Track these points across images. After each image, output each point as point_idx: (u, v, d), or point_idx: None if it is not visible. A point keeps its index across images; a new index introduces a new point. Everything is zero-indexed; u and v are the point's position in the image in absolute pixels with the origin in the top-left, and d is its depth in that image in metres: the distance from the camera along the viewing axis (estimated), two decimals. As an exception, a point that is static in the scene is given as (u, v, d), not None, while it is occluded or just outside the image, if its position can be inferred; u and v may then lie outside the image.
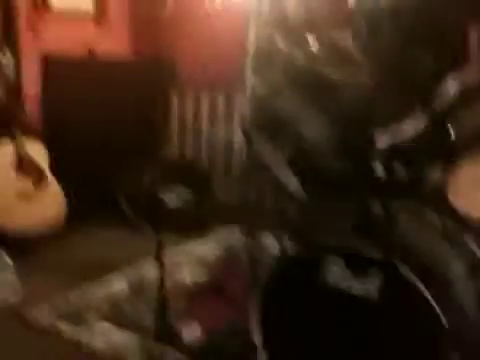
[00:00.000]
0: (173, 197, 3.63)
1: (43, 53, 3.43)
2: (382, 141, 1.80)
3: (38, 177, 2.98)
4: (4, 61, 3.08)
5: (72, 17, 3.78)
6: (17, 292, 2.44)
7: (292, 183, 2.77)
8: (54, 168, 3.05)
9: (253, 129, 3.38)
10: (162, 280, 2.12)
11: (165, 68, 3.76)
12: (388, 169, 1.76)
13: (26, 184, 2.95)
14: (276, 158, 3.17)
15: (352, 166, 1.98)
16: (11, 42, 3.30)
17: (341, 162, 2.11)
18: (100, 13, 3.95)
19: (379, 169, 1.76)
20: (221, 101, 3.75)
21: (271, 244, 2.48)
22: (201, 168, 3.79)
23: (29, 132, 3.08)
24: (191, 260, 2.91)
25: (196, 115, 3.89)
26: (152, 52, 3.95)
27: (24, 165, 2.94)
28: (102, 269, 2.68)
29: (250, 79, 3.57)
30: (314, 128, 2.88)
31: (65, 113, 3.31)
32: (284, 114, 3.22)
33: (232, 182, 3.71)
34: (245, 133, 3.42)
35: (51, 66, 3.41)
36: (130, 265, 2.77)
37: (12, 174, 2.90)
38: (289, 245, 2.29)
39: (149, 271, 2.56)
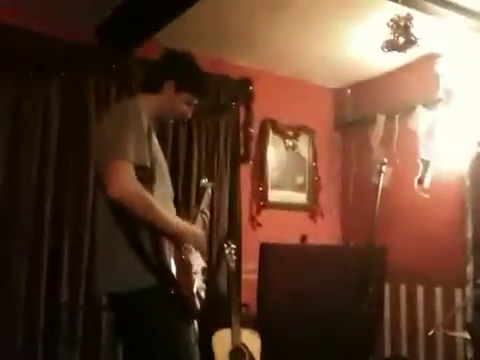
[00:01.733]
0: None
1: (261, 242, 3.69)
2: None
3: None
4: (228, 251, 3.37)
5: (287, 209, 4.10)
6: None
7: None
8: (266, 357, 3.05)
9: (478, 325, 3.02)
10: None
11: (376, 256, 3.71)
12: None
13: (240, 373, 2.98)
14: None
15: None
16: (235, 234, 3.64)
17: None
18: (313, 206, 4.22)
19: None
20: (439, 294, 3.49)
21: None
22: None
23: (245, 321, 3.19)
24: None
25: (411, 308, 3.65)
26: (362, 240, 3.97)
27: (239, 355, 3.00)
28: None
29: (471, 270, 3.30)
30: None
31: (278, 301, 3.39)
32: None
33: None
34: (469, 330, 3.06)
35: (267, 254, 3.60)
36: None
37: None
38: None
39: None
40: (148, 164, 1.88)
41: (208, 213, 2.28)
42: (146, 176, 1.88)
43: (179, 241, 1.94)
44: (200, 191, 2.31)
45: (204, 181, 2.34)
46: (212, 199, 3.43)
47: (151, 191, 1.87)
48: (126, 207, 1.80)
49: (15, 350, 2.79)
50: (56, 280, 2.96)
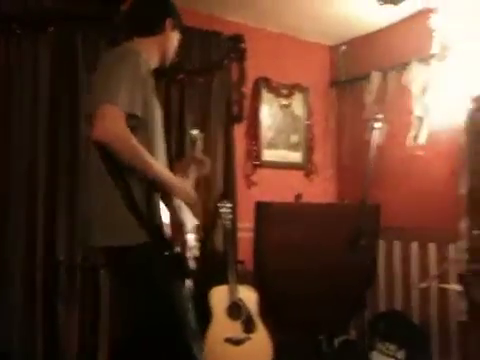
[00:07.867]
0: (380, 353, 3.37)
1: (256, 201, 3.70)
2: None
3: (248, 323, 3.04)
4: (223, 210, 3.37)
5: (282, 168, 4.09)
6: None
7: None
8: (263, 314, 3.10)
9: (471, 277, 3.06)
10: None
11: (369, 213, 3.73)
12: None
13: (236, 329, 3.02)
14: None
15: None
16: (230, 193, 3.64)
17: None
18: (307, 164, 4.21)
19: None
20: (432, 249, 3.52)
21: None
22: (412, 323, 3.48)
23: (242, 277, 3.23)
24: None
25: (405, 263, 3.70)
26: (357, 198, 3.98)
27: (236, 310, 3.04)
28: None
29: (465, 223, 3.32)
30: None
31: (274, 258, 3.42)
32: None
33: (450, 341, 3.32)
34: (463, 282, 3.10)
35: (263, 212, 3.61)
36: None
37: (225, 319, 3.02)
38: None
39: None
40: (139, 113, 1.78)
41: (205, 158, 2.21)
42: (137, 126, 1.79)
43: (170, 193, 1.87)
44: (190, 141, 2.25)
45: (194, 132, 2.26)
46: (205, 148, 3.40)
47: (142, 143, 1.77)
48: (112, 151, 1.71)
49: (14, 307, 2.82)
50: (53, 237, 2.95)
